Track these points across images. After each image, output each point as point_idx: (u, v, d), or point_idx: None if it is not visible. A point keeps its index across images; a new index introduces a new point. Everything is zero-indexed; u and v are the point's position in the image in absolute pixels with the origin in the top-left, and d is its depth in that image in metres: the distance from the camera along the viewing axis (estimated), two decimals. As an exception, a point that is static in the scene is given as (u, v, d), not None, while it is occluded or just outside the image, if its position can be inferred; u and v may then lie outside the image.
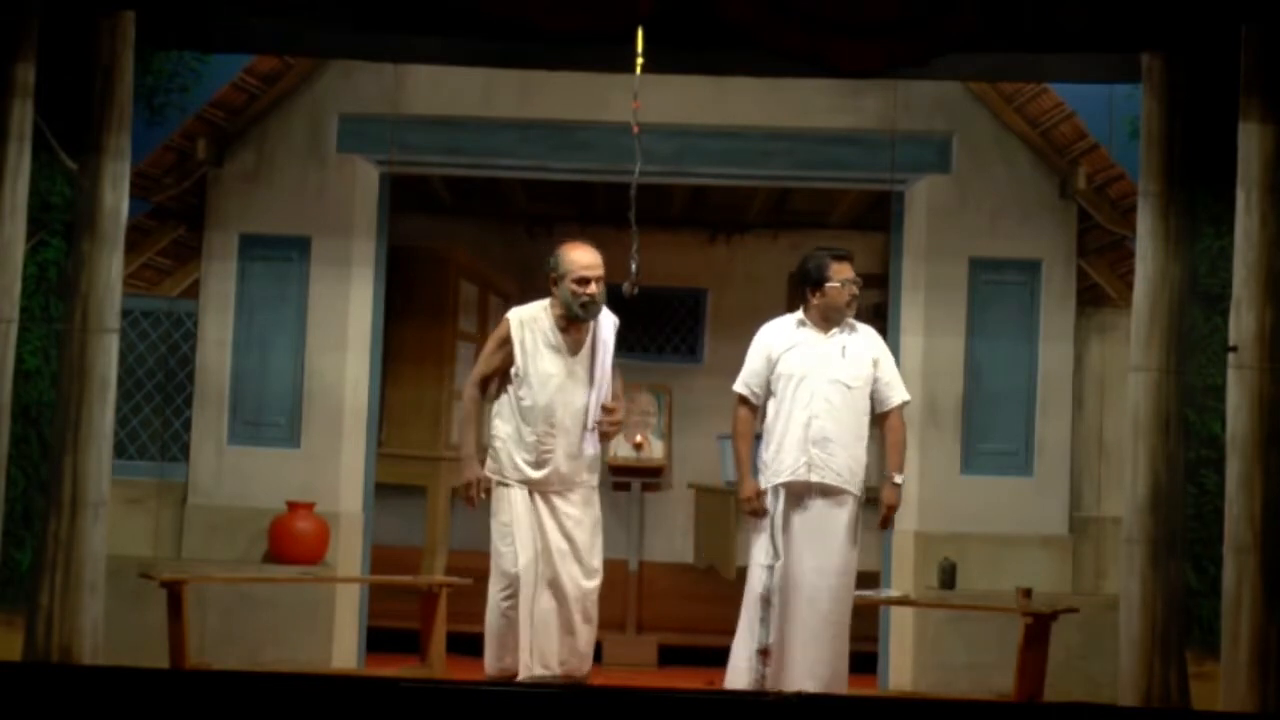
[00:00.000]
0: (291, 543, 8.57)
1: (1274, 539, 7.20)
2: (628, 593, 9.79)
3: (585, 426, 7.06)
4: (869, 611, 8.66)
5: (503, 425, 7.14)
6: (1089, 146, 8.67)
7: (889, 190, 8.95)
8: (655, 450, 10.18)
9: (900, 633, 8.69)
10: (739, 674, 7.06)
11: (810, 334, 7.19)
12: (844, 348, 7.17)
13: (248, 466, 8.71)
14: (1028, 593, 7.77)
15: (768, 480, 7.13)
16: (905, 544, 8.73)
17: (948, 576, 8.48)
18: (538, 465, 7.06)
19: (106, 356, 7.59)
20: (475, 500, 7.15)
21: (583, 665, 7.05)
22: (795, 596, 7.02)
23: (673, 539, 10.75)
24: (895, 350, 8.82)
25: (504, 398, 7.14)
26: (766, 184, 9.64)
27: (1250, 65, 7.31)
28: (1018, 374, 8.76)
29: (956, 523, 8.67)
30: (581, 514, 7.07)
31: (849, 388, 7.13)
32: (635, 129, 7.19)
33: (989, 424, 8.76)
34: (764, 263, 10.79)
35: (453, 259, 10.45)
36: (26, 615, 7.47)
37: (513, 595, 7.01)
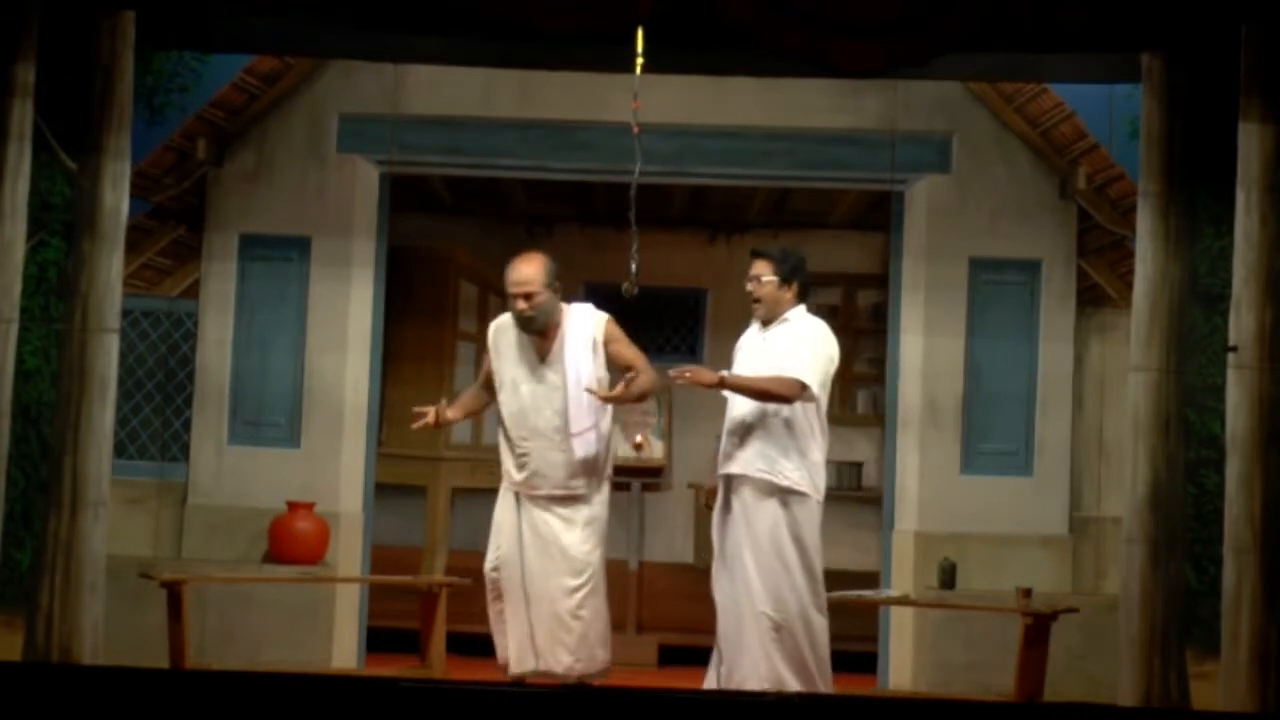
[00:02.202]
0: (291, 543, 8.57)
1: (1274, 539, 7.20)
2: (628, 593, 9.79)
3: (564, 431, 7.05)
4: (869, 611, 8.67)
5: (499, 431, 7.23)
6: (1089, 146, 8.68)
7: (889, 190, 8.95)
8: (655, 450, 10.18)
9: (900, 633, 8.68)
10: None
11: (755, 332, 7.19)
12: (764, 343, 7.12)
13: (248, 466, 8.71)
14: (1028, 593, 7.76)
15: None
16: (905, 544, 8.73)
17: (948, 576, 8.48)
18: (519, 469, 7.13)
19: (106, 356, 7.59)
20: (427, 415, 7.16)
21: (591, 663, 7.06)
22: (732, 592, 6.99)
23: (673, 539, 10.74)
24: (895, 350, 8.83)
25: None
26: (766, 184, 9.64)
27: (1250, 65, 7.31)
28: (1018, 374, 8.76)
29: (956, 523, 8.67)
30: (571, 516, 7.07)
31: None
32: (635, 129, 7.19)
33: (989, 424, 8.76)
34: (764, 263, 10.78)
35: (453, 259, 10.44)
36: (26, 615, 7.47)
37: (497, 598, 7.15)
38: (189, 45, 8.35)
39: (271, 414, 8.78)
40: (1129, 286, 7.92)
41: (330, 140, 8.84)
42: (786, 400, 6.87)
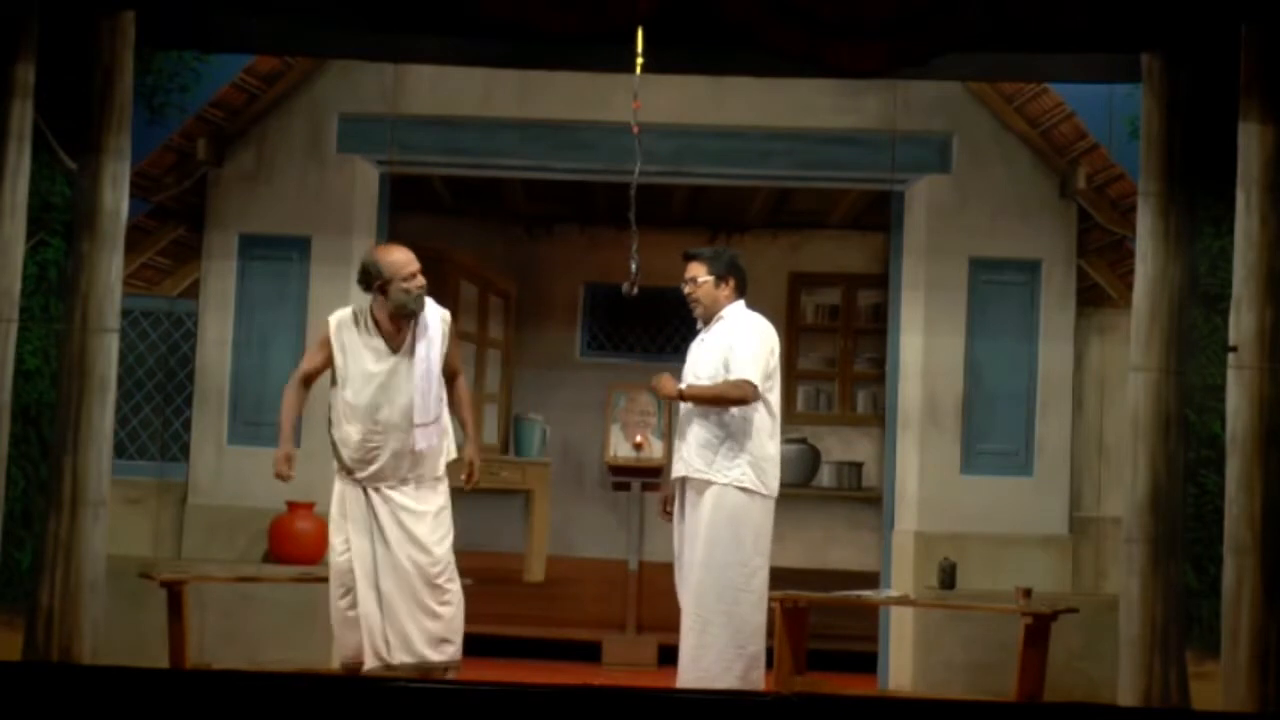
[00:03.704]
0: (291, 543, 8.57)
1: (1274, 539, 7.20)
2: (628, 593, 9.76)
3: (413, 422, 7.04)
4: (869, 611, 8.67)
5: (334, 426, 7.18)
6: (1089, 146, 8.68)
7: (889, 190, 8.96)
8: (655, 450, 10.18)
9: (900, 633, 8.69)
10: None
11: (700, 333, 7.21)
12: (703, 342, 7.14)
13: (248, 466, 8.70)
14: (1028, 593, 7.77)
15: None
16: (905, 544, 8.73)
17: (948, 576, 8.48)
18: (365, 463, 7.08)
19: (106, 356, 7.59)
20: (284, 475, 7.19)
21: (442, 652, 7.03)
22: (681, 591, 7.09)
23: (672, 539, 10.73)
24: (895, 350, 8.83)
25: (332, 400, 7.20)
26: (766, 184, 9.64)
27: (1250, 65, 7.31)
28: (1018, 374, 8.76)
29: (956, 523, 8.67)
30: (419, 506, 7.08)
31: (698, 379, 7.06)
32: (635, 129, 7.19)
33: (989, 424, 8.76)
34: (764, 263, 10.78)
35: (453, 259, 10.44)
36: (26, 615, 7.47)
37: (347, 592, 7.07)
38: (189, 45, 8.35)
39: (271, 414, 8.70)
40: (1129, 286, 7.92)
41: (330, 140, 8.84)
42: (743, 402, 6.92)
